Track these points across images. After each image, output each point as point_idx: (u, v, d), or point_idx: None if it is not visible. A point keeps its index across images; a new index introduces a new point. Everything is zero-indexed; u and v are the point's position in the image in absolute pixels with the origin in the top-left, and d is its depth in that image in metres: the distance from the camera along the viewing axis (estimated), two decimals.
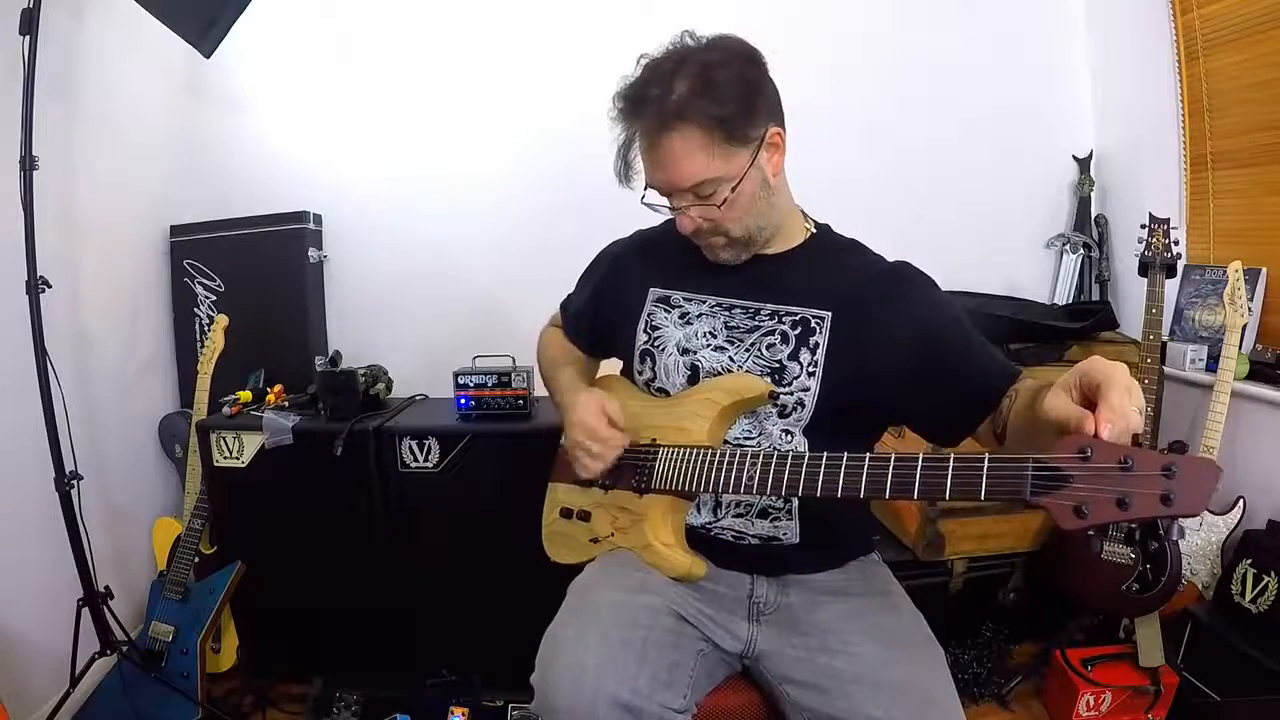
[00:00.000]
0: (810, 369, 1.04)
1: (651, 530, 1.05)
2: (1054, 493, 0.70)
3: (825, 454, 0.88)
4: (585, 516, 1.15)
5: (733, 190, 0.98)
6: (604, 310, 1.23)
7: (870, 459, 0.85)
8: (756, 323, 1.08)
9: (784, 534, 1.08)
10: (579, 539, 1.16)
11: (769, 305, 1.08)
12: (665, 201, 1.04)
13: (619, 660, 0.88)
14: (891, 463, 0.83)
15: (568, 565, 1.16)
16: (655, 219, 1.25)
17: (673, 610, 0.98)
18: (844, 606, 1.05)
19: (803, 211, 1.14)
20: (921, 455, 0.81)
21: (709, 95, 0.94)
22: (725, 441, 1.06)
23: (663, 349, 1.12)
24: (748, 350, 1.07)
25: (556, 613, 0.99)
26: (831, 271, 1.08)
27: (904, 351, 1.01)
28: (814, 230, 1.14)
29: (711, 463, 0.99)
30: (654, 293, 1.15)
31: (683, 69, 0.96)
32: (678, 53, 0.98)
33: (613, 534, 1.10)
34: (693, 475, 1.01)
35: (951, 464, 0.78)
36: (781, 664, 1.00)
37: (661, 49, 1.00)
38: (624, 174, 1.06)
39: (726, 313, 1.10)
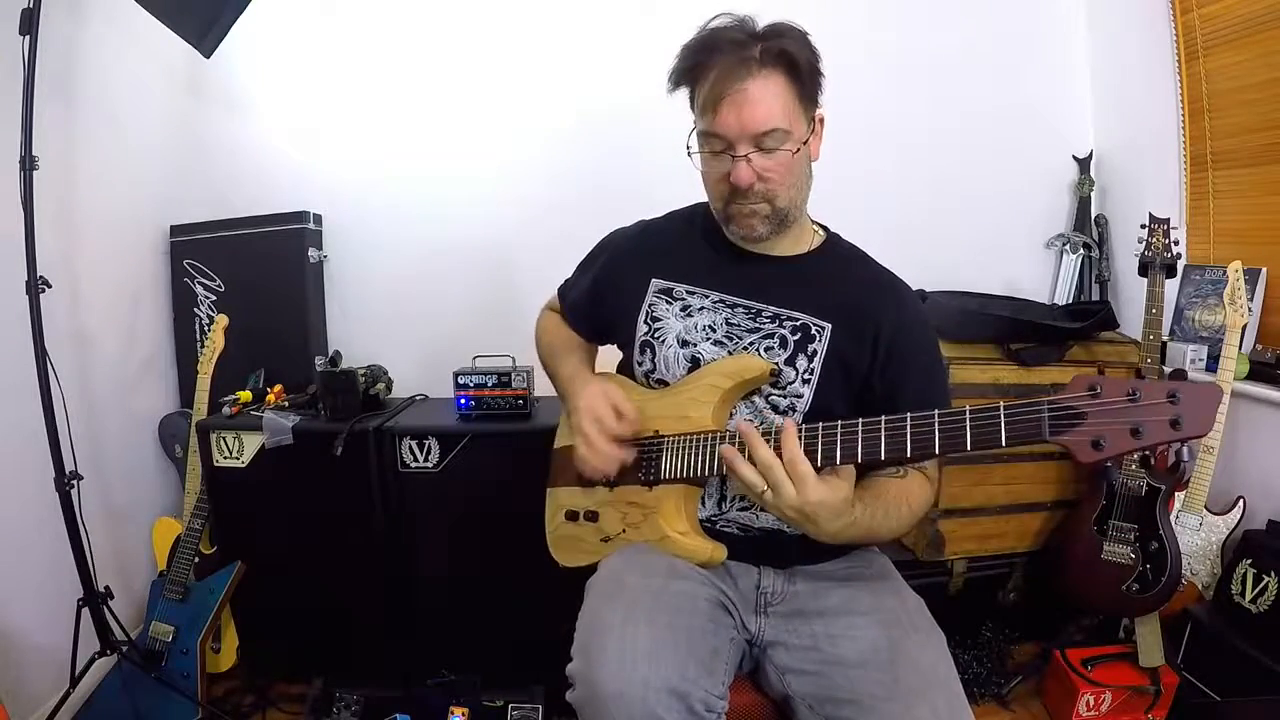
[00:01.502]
0: (806, 376, 1.05)
1: (666, 522, 1.05)
2: (1071, 430, 0.74)
3: (839, 422, 0.88)
4: (593, 517, 1.15)
5: (802, 145, 1.01)
6: (604, 299, 1.22)
7: (886, 421, 0.86)
8: (757, 324, 1.08)
9: (789, 526, 1.08)
10: (589, 540, 1.15)
11: (771, 308, 1.09)
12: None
13: (669, 646, 0.87)
14: (909, 422, 0.84)
15: (570, 567, 1.16)
16: (648, 215, 1.25)
17: (708, 596, 0.99)
18: (848, 591, 1.06)
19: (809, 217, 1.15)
20: (937, 411, 0.82)
21: (789, 48, 0.97)
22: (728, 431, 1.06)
23: (663, 341, 1.12)
24: (745, 350, 1.08)
25: (570, 606, 0.98)
26: (837, 282, 1.10)
27: (877, 356, 1.05)
28: (823, 236, 1.16)
29: (717, 446, 0.99)
30: (656, 284, 1.15)
31: (759, 29, 0.99)
32: (750, 21, 1.00)
33: (624, 530, 1.10)
34: (701, 461, 1.01)
35: (969, 416, 0.80)
36: (787, 654, 1.01)
37: (728, 16, 1.01)
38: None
39: (729, 310, 1.10)
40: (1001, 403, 0.78)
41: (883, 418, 0.86)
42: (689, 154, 1.05)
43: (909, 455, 0.84)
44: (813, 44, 1.00)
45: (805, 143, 1.01)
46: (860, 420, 0.87)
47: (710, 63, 0.98)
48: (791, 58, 0.97)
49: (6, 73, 1.44)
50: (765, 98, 0.96)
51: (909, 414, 0.84)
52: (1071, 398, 0.74)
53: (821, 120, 1.04)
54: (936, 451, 0.82)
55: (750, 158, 0.98)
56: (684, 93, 1.05)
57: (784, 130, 0.97)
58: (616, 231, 1.28)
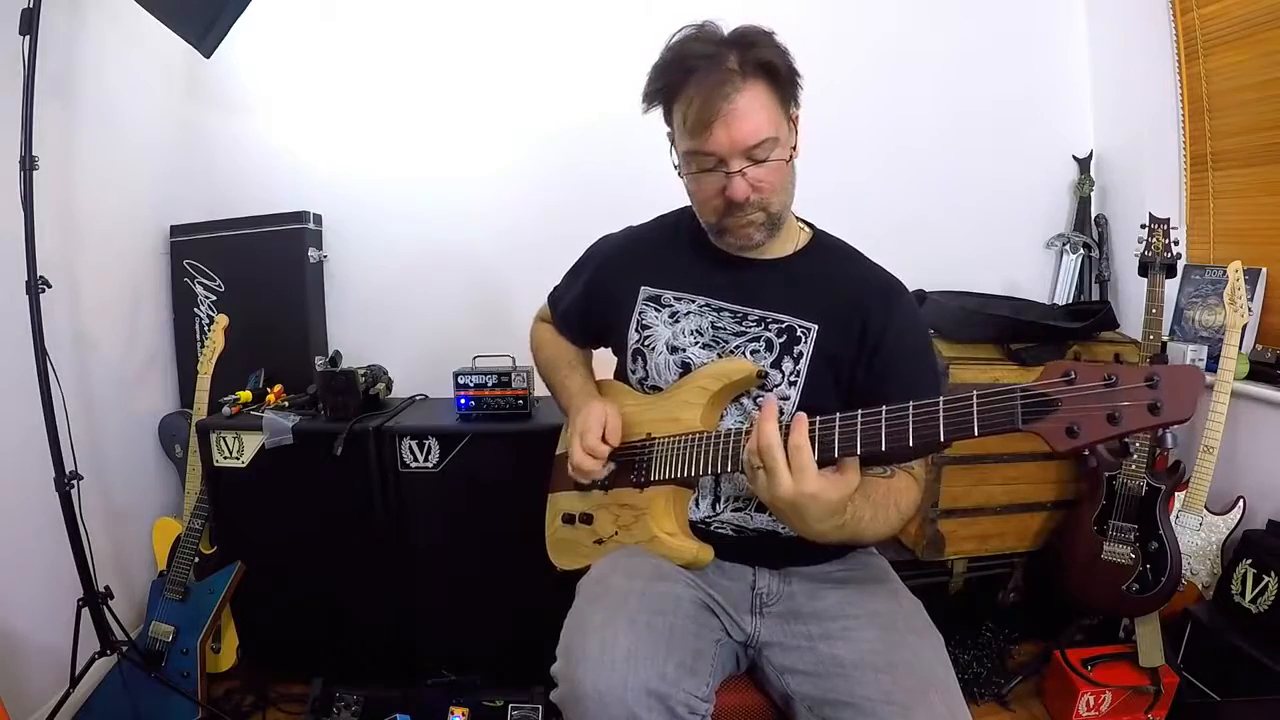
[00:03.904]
0: (792, 378, 1.06)
1: (655, 522, 1.06)
2: (1045, 417, 0.72)
3: (818, 418, 0.87)
4: (588, 519, 1.15)
5: (792, 149, 1.01)
6: (595, 308, 1.23)
7: (863, 414, 0.85)
8: (743, 328, 1.09)
9: (783, 527, 1.08)
10: (583, 543, 1.15)
11: (757, 311, 1.09)
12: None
13: (648, 647, 0.87)
14: (883, 415, 0.83)
15: (567, 570, 1.16)
16: (646, 215, 1.25)
17: (692, 598, 0.99)
18: (844, 593, 1.06)
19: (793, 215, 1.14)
20: (911, 403, 0.81)
21: (767, 56, 0.96)
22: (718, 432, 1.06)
23: (653, 348, 1.13)
24: (732, 353, 1.08)
25: (569, 607, 0.98)
26: (825, 281, 1.09)
27: (864, 351, 1.04)
28: (809, 234, 1.15)
29: (706, 446, 1.00)
30: (645, 291, 1.16)
31: (728, 38, 0.98)
32: (714, 27, 1.00)
33: (616, 532, 1.10)
34: (690, 461, 1.01)
35: (942, 406, 0.78)
36: (784, 655, 1.01)
37: (691, 28, 1.00)
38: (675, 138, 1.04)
39: (715, 314, 1.10)
40: (974, 392, 0.76)
41: (859, 412, 0.85)
42: (678, 173, 1.05)
43: (884, 449, 0.83)
44: (782, 45, 0.99)
45: (793, 146, 1.01)
46: (837, 415, 0.86)
47: (687, 80, 0.97)
48: (771, 65, 0.97)
49: (6, 73, 1.44)
50: (753, 110, 0.96)
51: (884, 408, 0.83)
52: (1045, 384, 0.72)
53: (798, 115, 1.04)
54: (911, 444, 0.80)
55: (744, 171, 0.98)
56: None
57: (773, 139, 0.97)
58: (603, 239, 1.28)
